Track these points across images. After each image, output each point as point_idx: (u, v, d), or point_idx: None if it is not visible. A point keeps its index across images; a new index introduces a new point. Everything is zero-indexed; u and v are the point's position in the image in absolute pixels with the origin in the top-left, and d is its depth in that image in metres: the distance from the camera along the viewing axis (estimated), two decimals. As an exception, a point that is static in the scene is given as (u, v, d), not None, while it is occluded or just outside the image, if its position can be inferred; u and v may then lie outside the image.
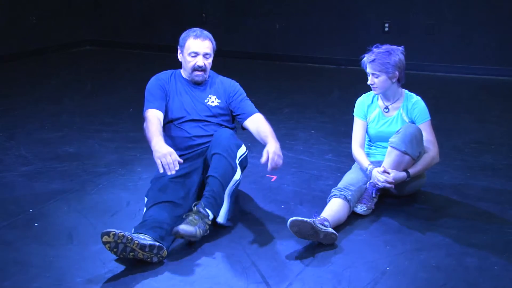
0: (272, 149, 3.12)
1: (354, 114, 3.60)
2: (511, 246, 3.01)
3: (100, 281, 2.70)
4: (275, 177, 3.94)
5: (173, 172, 2.97)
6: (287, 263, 2.87)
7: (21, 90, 6.58)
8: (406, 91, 3.55)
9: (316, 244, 3.01)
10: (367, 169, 3.40)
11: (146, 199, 3.19)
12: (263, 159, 3.10)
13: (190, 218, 2.97)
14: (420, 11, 7.25)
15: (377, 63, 3.33)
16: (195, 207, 3.03)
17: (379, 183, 3.29)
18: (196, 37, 3.40)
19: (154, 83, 3.49)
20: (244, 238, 3.11)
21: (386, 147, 3.37)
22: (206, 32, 3.46)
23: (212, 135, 3.34)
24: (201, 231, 2.95)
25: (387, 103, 3.52)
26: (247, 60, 8.09)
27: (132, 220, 3.28)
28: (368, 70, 3.39)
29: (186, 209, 3.13)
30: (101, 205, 3.52)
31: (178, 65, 3.55)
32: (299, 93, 6.37)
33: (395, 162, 3.29)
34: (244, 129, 3.53)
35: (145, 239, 2.81)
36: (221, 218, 3.11)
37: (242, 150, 3.31)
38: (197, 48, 3.38)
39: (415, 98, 3.50)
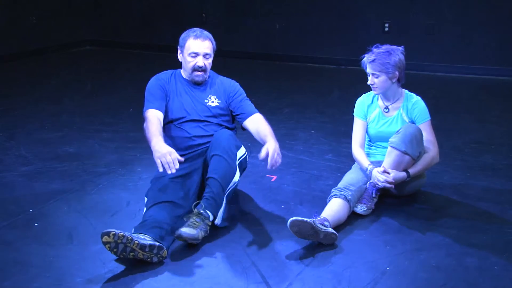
0: (272, 147, 3.12)
1: (354, 114, 3.60)
2: (511, 246, 3.01)
3: (100, 281, 2.70)
4: (275, 177, 3.94)
5: (173, 171, 2.97)
6: (287, 263, 2.87)
7: (21, 90, 6.58)
8: (406, 91, 3.55)
9: (316, 244, 3.01)
10: (367, 169, 3.40)
11: (146, 199, 3.19)
12: (262, 155, 3.10)
13: (191, 220, 2.97)
14: (420, 11, 7.25)
15: (377, 63, 3.33)
16: (195, 209, 3.03)
17: (379, 183, 3.29)
18: (196, 37, 3.40)
19: (154, 83, 3.49)
20: (244, 238, 3.11)
21: (386, 147, 3.37)
22: (206, 32, 3.46)
23: (212, 135, 3.34)
24: (203, 233, 2.96)
25: (387, 103, 3.52)
26: (247, 60, 8.09)
27: (132, 220, 3.28)
28: (368, 70, 3.39)
29: (186, 209, 3.13)
30: (101, 205, 3.52)
31: (178, 65, 3.55)
32: (299, 93, 6.37)
33: (395, 162, 3.29)
34: (244, 129, 3.53)
35: (145, 239, 2.81)
36: (217, 220, 3.11)
37: (242, 151, 3.31)
38: (197, 48, 3.38)
39: (415, 98, 3.50)
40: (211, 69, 3.52)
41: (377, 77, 3.37)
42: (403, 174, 3.33)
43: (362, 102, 3.59)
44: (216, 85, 3.53)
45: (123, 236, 2.71)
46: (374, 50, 3.38)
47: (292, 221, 2.91)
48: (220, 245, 3.04)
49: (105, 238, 2.71)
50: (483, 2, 6.95)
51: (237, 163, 3.22)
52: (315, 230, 2.93)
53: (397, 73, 3.37)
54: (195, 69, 3.42)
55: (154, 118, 3.29)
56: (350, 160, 3.85)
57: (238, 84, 3.59)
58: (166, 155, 2.96)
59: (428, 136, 3.41)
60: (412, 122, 3.45)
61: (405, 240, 3.07)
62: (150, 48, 8.87)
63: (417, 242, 3.05)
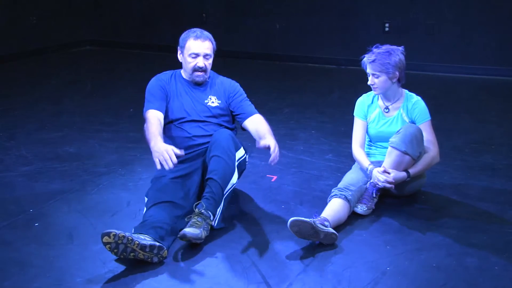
0: (274, 142, 3.12)
1: (354, 114, 3.60)
2: (511, 246, 3.01)
3: (100, 281, 2.70)
4: (275, 177, 3.94)
5: (170, 165, 2.93)
6: (287, 263, 2.87)
7: (21, 90, 6.58)
8: (406, 91, 3.55)
9: (317, 244, 3.01)
10: (367, 169, 3.40)
11: (146, 199, 3.19)
12: (262, 143, 3.09)
13: (193, 220, 2.98)
14: (420, 11, 7.25)
15: (377, 63, 3.33)
16: (196, 209, 3.03)
17: (380, 183, 3.29)
18: (196, 38, 3.40)
19: (154, 83, 3.49)
20: (244, 238, 3.11)
21: (386, 147, 3.37)
22: (206, 33, 3.46)
23: (212, 135, 3.34)
24: (205, 233, 2.97)
25: (387, 103, 3.52)
26: (247, 60, 8.09)
27: (133, 220, 3.28)
28: (368, 70, 3.39)
29: (186, 209, 3.13)
30: (102, 205, 3.52)
31: (178, 65, 3.55)
32: (299, 93, 6.37)
33: (395, 162, 3.29)
34: (244, 129, 3.53)
35: (146, 239, 2.81)
36: (214, 221, 3.11)
37: (241, 152, 3.31)
38: (197, 49, 3.38)
39: (415, 98, 3.50)
40: (211, 69, 3.52)
41: (377, 77, 3.37)
42: (403, 174, 3.33)
43: (362, 102, 3.59)
44: (216, 85, 3.53)
45: (124, 236, 2.71)
46: (374, 50, 3.38)
47: (292, 221, 2.91)
48: (220, 245, 3.04)
49: (106, 239, 2.71)
50: (483, 2, 6.95)
51: (236, 164, 3.22)
52: (315, 230, 2.94)
53: (397, 73, 3.37)
54: (195, 69, 3.42)
55: (154, 118, 3.29)
56: (350, 160, 3.85)
57: (238, 84, 3.59)
58: (163, 153, 2.95)
59: (428, 136, 3.41)
60: (412, 122, 3.45)
61: (405, 240, 3.07)
62: (150, 48, 8.87)
63: (417, 242, 3.05)
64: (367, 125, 3.57)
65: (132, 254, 2.76)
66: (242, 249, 3.00)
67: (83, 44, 9.34)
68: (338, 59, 7.68)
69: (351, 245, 3.04)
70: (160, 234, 2.90)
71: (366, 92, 3.62)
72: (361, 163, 3.46)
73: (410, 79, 3.60)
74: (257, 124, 3.40)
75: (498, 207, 3.46)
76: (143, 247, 2.76)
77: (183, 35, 3.47)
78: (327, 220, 3.05)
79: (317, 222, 2.98)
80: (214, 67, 3.52)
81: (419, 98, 3.51)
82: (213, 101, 3.47)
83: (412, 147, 3.27)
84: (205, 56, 3.41)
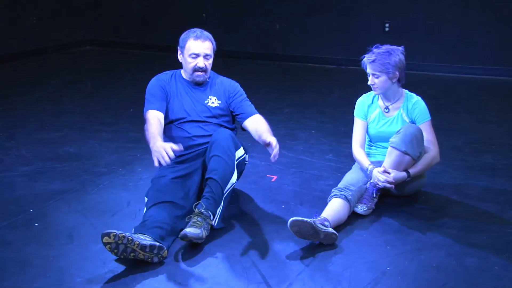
0: (275, 140, 3.10)
1: (354, 114, 3.60)
2: (511, 246, 3.01)
3: (101, 281, 2.70)
4: (275, 177, 3.94)
5: (167, 159, 2.91)
6: (287, 263, 2.87)
7: (21, 90, 6.58)
8: (407, 91, 3.55)
9: (317, 244, 3.01)
10: (367, 169, 3.40)
11: (146, 199, 3.19)
12: (264, 138, 3.07)
13: (194, 220, 2.98)
14: (420, 11, 7.25)
15: (378, 63, 3.33)
16: (196, 209, 3.03)
17: (380, 183, 3.29)
18: (197, 38, 3.39)
19: (154, 83, 3.49)
20: (244, 238, 3.11)
21: (387, 147, 3.37)
22: (206, 33, 3.46)
23: (212, 135, 3.34)
24: (206, 232, 2.97)
25: (387, 103, 3.52)
26: (247, 60, 8.09)
27: (133, 220, 3.28)
28: (369, 70, 3.39)
29: (186, 209, 3.13)
30: (102, 205, 3.52)
31: (178, 65, 3.55)
32: (299, 93, 6.37)
33: (395, 162, 3.29)
34: (244, 129, 3.53)
35: (146, 239, 2.81)
36: (214, 221, 3.11)
37: (240, 152, 3.31)
38: (197, 49, 3.38)
39: (416, 98, 3.50)
40: (211, 69, 3.52)
41: (377, 77, 3.37)
42: (404, 174, 3.33)
43: (362, 102, 3.59)
44: (217, 85, 3.53)
45: (124, 236, 2.71)
46: (374, 50, 3.38)
47: (292, 221, 2.91)
48: (220, 245, 3.04)
49: (106, 239, 2.71)
50: (483, 2, 6.95)
51: (235, 163, 3.22)
52: (316, 230, 2.93)
53: (397, 73, 3.37)
54: (195, 69, 3.42)
55: (154, 119, 3.29)
56: (350, 160, 3.85)
57: (238, 84, 3.59)
58: (160, 150, 2.94)
59: (428, 136, 3.41)
60: (413, 122, 3.45)
61: (405, 240, 3.07)
62: (150, 48, 8.87)
63: (418, 242, 3.05)
64: (367, 125, 3.57)
65: (132, 254, 2.76)
66: (242, 249, 3.00)
67: (83, 44, 9.34)
68: (338, 59, 7.68)
69: (351, 245, 3.04)
70: (160, 234, 2.90)
71: (366, 92, 3.62)
72: (361, 163, 3.46)
73: (410, 79, 3.60)
74: (257, 124, 3.40)
75: (498, 207, 3.46)
76: (143, 247, 2.76)
77: (183, 35, 3.46)
78: (327, 220, 3.05)
79: (317, 222, 2.98)
80: (214, 67, 3.52)
81: (419, 98, 3.51)
82: (213, 102, 3.47)
83: (412, 147, 3.27)
84: (205, 56, 3.41)
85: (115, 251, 2.73)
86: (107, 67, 8.07)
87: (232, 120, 3.57)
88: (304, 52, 7.95)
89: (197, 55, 3.39)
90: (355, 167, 3.58)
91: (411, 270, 2.79)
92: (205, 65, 3.41)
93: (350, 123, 3.66)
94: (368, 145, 3.66)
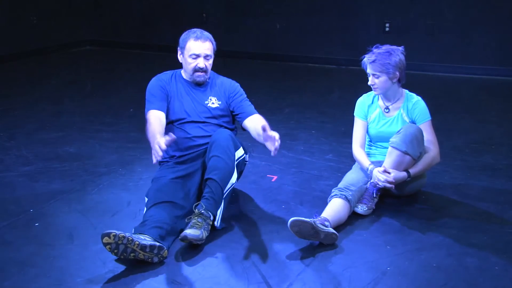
0: (275, 133, 2.98)
1: (354, 114, 3.60)
2: (511, 246, 3.01)
3: (101, 281, 2.70)
4: (275, 177, 3.94)
5: (160, 153, 2.83)
6: (287, 263, 2.87)
7: (21, 90, 6.58)
8: (407, 91, 3.55)
9: (317, 244, 3.01)
10: (367, 169, 3.40)
11: (146, 199, 3.19)
12: (268, 131, 2.93)
13: (194, 221, 2.98)
14: (420, 11, 7.25)
15: (378, 63, 3.33)
16: (196, 209, 3.03)
17: (380, 183, 3.29)
18: (197, 38, 3.39)
19: (154, 83, 3.48)
20: (244, 238, 3.11)
21: (387, 147, 3.37)
22: (206, 33, 3.46)
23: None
24: (206, 233, 2.97)
25: (387, 103, 3.52)
26: (247, 60, 8.09)
27: (133, 220, 3.28)
28: (369, 70, 3.39)
29: (186, 209, 3.13)
30: (102, 205, 3.52)
31: (178, 65, 3.55)
32: (299, 93, 6.37)
33: (395, 162, 3.29)
34: (244, 129, 3.53)
35: (146, 239, 2.81)
36: (216, 222, 3.11)
37: (240, 152, 3.31)
38: (197, 50, 3.38)
39: (416, 98, 3.50)
40: (212, 69, 3.51)
41: (377, 78, 3.37)
42: (404, 174, 3.33)
43: (362, 102, 3.59)
44: (217, 86, 3.53)
45: (124, 237, 2.71)
46: (375, 50, 3.38)
47: (293, 221, 2.91)
48: (221, 245, 3.04)
49: (106, 239, 2.71)
50: (483, 2, 6.95)
51: (235, 163, 3.22)
52: (316, 230, 2.93)
53: (397, 73, 3.37)
54: (196, 70, 3.41)
55: (155, 119, 3.29)
56: (350, 160, 3.86)
57: (238, 84, 3.59)
58: (154, 147, 2.88)
59: (428, 136, 3.41)
60: (413, 122, 3.45)
61: (405, 240, 3.07)
62: (150, 48, 8.87)
63: (418, 242, 3.05)
64: (368, 125, 3.57)
65: (132, 254, 2.76)
66: (242, 249, 2.99)
67: (83, 44, 9.34)
68: (338, 59, 7.68)
69: (352, 245, 3.04)
70: (161, 234, 2.90)
71: (366, 92, 3.62)
72: (362, 163, 3.46)
73: (410, 79, 3.60)
74: (256, 122, 3.38)
75: (498, 207, 3.46)
76: (143, 247, 2.76)
77: (183, 36, 3.46)
78: (327, 220, 3.05)
79: (318, 222, 2.98)
80: (214, 67, 3.52)
81: (419, 98, 3.51)
82: (213, 102, 3.47)
83: (413, 147, 3.27)
84: (206, 56, 3.41)
85: (115, 251, 2.73)
86: (107, 67, 8.06)
87: (232, 120, 3.56)
88: (304, 52, 7.95)
89: (198, 56, 3.39)
90: (355, 167, 3.58)
91: (411, 270, 2.79)
92: (206, 65, 3.41)
93: (350, 123, 3.66)
94: (368, 145, 3.66)
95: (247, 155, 3.52)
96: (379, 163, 3.42)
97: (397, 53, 3.37)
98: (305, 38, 7.93)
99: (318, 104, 5.90)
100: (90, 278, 2.72)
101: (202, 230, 2.94)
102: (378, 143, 3.60)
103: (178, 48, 3.47)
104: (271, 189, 3.78)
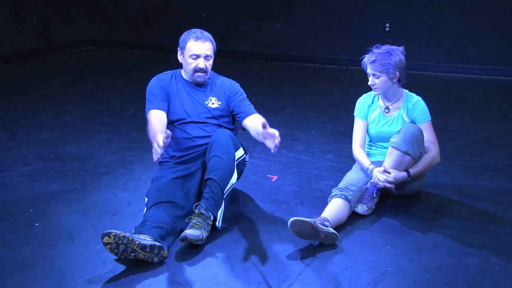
0: (275, 130, 2.95)
1: (354, 114, 3.60)
2: (511, 246, 3.01)
3: (101, 281, 2.70)
4: (275, 177, 3.94)
5: (159, 150, 2.81)
6: (287, 263, 2.87)
7: (21, 90, 6.58)
8: (407, 91, 3.55)
9: (317, 244, 3.01)
10: (368, 169, 3.40)
11: (146, 199, 3.19)
12: (268, 129, 2.90)
13: (194, 221, 2.98)
14: (420, 11, 7.25)
15: (378, 63, 3.33)
16: (196, 209, 3.03)
17: (380, 183, 3.29)
18: (197, 39, 3.39)
19: (155, 83, 3.48)
20: (244, 238, 3.11)
21: (387, 147, 3.37)
22: (206, 33, 3.45)
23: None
24: (206, 233, 2.97)
25: (387, 103, 3.52)
26: (247, 60, 8.10)
27: (133, 220, 3.28)
28: (369, 70, 3.39)
29: (186, 209, 3.13)
30: (102, 205, 3.52)
31: (178, 65, 3.55)
32: (300, 93, 6.38)
33: (396, 162, 3.29)
34: (244, 129, 3.53)
35: (146, 239, 2.81)
36: (217, 222, 3.12)
37: (240, 152, 3.31)
38: (198, 50, 3.37)
39: (416, 98, 3.50)
40: (212, 69, 3.51)
41: (377, 78, 3.37)
42: (404, 174, 3.33)
43: (362, 102, 3.59)
44: (217, 86, 3.52)
45: (124, 236, 2.71)
46: (375, 50, 3.38)
47: (293, 221, 2.91)
48: (221, 245, 3.04)
49: (106, 239, 2.71)
50: (483, 2, 6.95)
51: (235, 163, 3.22)
52: (316, 230, 2.93)
53: (397, 73, 3.37)
54: (196, 70, 3.41)
55: (156, 119, 3.29)
56: (350, 160, 3.86)
57: (238, 84, 3.59)
58: (153, 145, 2.88)
59: (428, 136, 3.41)
60: (413, 122, 3.45)
61: (405, 240, 3.07)
62: (150, 48, 8.87)
63: (418, 242, 3.05)
64: (368, 125, 3.57)
65: (132, 254, 2.76)
66: (243, 249, 2.99)
67: (83, 44, 9.35)
68: (338, 59, 7.68)
69: (352, 245, 3.04)
70: (161, 234, 2.90)
71: (366, 92, 3.62)
72: (362, 163, 3.46)
73: (410, 79, 3.60)
74: (255, 122, 3.38)
75: (499, 207, 3.46)
76: (143, 247, 2.76)
77: (183, 36, 3.46)
78: (327, 220, 3.05)
79: (318, 222, 2.98)
80: (214, 67, 3.52)
81: (419, 98, 3.51)
82: (213, 103, 3.47)
83: (413, 147, 3.27)
84: (206, 57, 3.40)
85: (116, 251, 2.73)
86: (107, 67, 8.07)
87: (233, 120, 3.56)
88: (304, 52, 7.95)
89: (198, 56, 3.39)
90: (355, 167, 3.58)
91: (411, 270, 2.79)
92: (206, 66, 3.41)
93: (350, 123, 3.66)
94: (369, 145, 3.66)
95: (247, 155, 3.52)
96: (379, 163, 3.42)
97: (397, 53, 3.37)
98: (305, 38, 7.94)
99: (318, 104, 5.90)
100: (90, 278, 2.72)
101: (202, 230, 2.94)
102: (378, 143, 3.60)
103: (178, 48, 3.47)
104: (271, 189, 3.78)
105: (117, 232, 2.71)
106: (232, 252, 2.96)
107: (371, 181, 3.36)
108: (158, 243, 2.82)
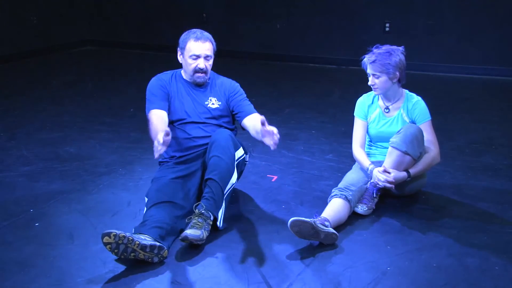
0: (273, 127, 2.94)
1: (354, 114, 3.60)
2: (511, 246, 3.01)
3: (101, 281, 2.70)
4: (275, 177, 3.94)
5: (160, 147, 2.82)
6: (287, 263, 2.87)
7: (21, 90, 6.58)
8: (407, 91, 3.55)
9: (317, 244, 3.01)
10: (368, 169, 3.40)
11: (146, 199, 3.19)
12: (266, 126, 2.87)
13: (194, 221, 2.98)
14: (420, 11, 7.25)
15: (378, 64, 3.33)
16: (196, 209, 3.03)
17: (380, 183, 3.29)
18: (197, 39, 3.38)
19: (155, 83, 3.48)
20: (244, 238, 3.11)
21: (387, 147, 3.37)
22: (206, 34, 3.45)
23: (212, 136, 3.33)
24: (206, 233, 2.97)
25: (387, 103, 3.52)
26: (247, 60, 8.10)
27: (133, 220, 3.28)
28: (369, 71, 3.39)
29: (186, 209, 3.13)
30: (102, 205, 3.52)
31: (178, 65, 3.55)
32: (300, 93, 6.38)
33: (396, 162, 3.29)
34: (244, 129, 3.53)
35: (146, 239, 2.81)
36: (218, 222, 3.12)
37: (240, 152, 3.31)
38: (198, 50, 3.37)
39: (416, 98, 3.50)
40: (212, 69, 3.51)
41: (377, 78, 3.37)
42: (404, 174, 3.33)
43: (362, 102, 3.59)
44: (217, 86, 3.52)
45: (124, 236, 2.71)
46: (375, 50, 3.38)
47: (293, 221, 2.91)
48: (221, 245, 3.04)
49: (106, 239, 2.71)
50: (483, 2, 6.95)
51: (235, 163, 3.22)
52: (316, 230, 2.93)
53: (397, 73, 3.37)
54: (196, 71, 3.41)
55: (157, 118, 3.28)
56: (350, 160, 3.86)
57: (238, 84, 3.59)
58: (155, 143, 2.88)
59: (428, 136, 3.41)
60: (413, 122, 3.45)
61: (405, 240, 3.07)
62: (150, 48, 8.87)
63: (418, 242, 3.05)
64: (368, 125, 3.57)
65: (132, 254, 2.76)
66: (243, 249, 2.99)
67: (83, 44, 9.35)
68: (338, 59, 7.68)
69: (352, 245, 3.04)
70: (161, 234, 2.90)
71: (366, 92, 3.62)
72: (362, 163, 3.46)
73: (410, 79, 3.60)
74: (254, 121, 3.37)
75: (499, 207, 3.46)
76: (143, 247, 2.76)
77: (183, 36, 3.45)
78: (327, 220, 3.05)
79: (318, 222, 2.98)
80: (214, 67, 3.51)
81: (419, 98, 3.51)
82: (213, 103, 3.47)
83: (413, 147, 3.26)
84: (206, 57, 3.40)
85: (116, 251, 2.73)
86: (107, 67, 8.07)
87: (233, 121, 3.56)
88: (304, 52, 7.95)
89: (198, 57, 3.38)
90: (355, 167, 3.58)
91: (411, 270, 2.79)
92: (206, 66, 3.41)
93: (350, 123, 3.66)
94: (369, 145, 3.66)
95: (247, 155, 3.53)
96: (379, 163, 3.42)
97: (397, 53, 3.37)
98: (305, 38, 7.94)
99: (318, 104, 5.90)
100: (90, 278, 2.72)
101: (203, 230, 2.94)
102: (378, 143, 3.60)
103: (178, 48, 3.46)
104: (271, 189, 3.78)
105: (117, 232, 2.71)
106: (232, 252, 2.96)
107: (371, 181, 3.36)
108: (158, 243, 2.82)
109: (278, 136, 2.88)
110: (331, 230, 3.01)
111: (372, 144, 3.64)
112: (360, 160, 3.49)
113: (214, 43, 3.46)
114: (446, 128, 4.86)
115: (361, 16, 7.58)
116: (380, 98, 3.54)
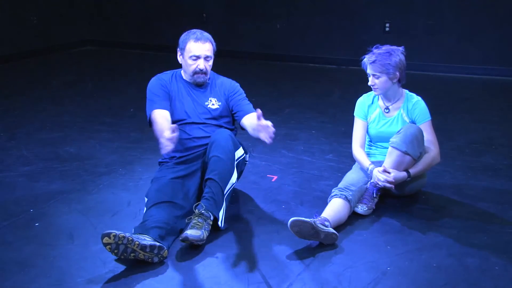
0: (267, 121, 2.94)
1: (354, 114, 3.60)
2: (511, 246, 3.01)
3: (101, 281, 2.70)
4: (275, 177, 3.94)
5: (168, 143, 2.84)
6: (287, 263, 2.87)
7: (21, 90, 6.58)
8: (407, 91, 3.55)
9: (317, 244, 3.01)
10: (367, 168, 3.40)
11: (146, 199, 3.19)
12: (262, 120, 2.89)
13: (194, 221, 2.97)
14: (420, 11, 7.26)
15: (378, 64, 3.33)
16: (196, 210, 3.03)
17: (380, 183, 3.29)
18: (197, 39, 3.38)
19: (155, 83, 3.48)
20: (244, 238, 3.11)
21: (387, 147, 3.37)
22: (206, 34, 3.45)
23: (212, 136, 3.33)
24: (206, 233, 2.97)
25: (387, 104, 3.52)
26: (247, 60, 8.10)
27: (133, 220, 3.28)
28: (369, 71, 3.39)
29: (186, 209, 3.13)
30: (102, 205, 3.52)
31: (178, 65, 3.55)
32: (300, 93, 6.38)
33: (396, 162, 3.29)
34: (243, 128, 3.52)
35: (146, 239, 2.81)
36: (220, 222, 3.12)
37: (240, 152, 3.31)
38: (198, 51, 3.37)
39: (416, 98, 3.50)
40: (212, 69, 3.51)
41: (377, 78, 3.37)
42: (404, 174, 3.33)
43: (362, 102, 3.59)
44: (217, 86, 3.52)
45: (124, 237, 2.71)
46: (375, 50, 3.38)
47: (293, 221, 2.91)
48: (221, 245, 3.04)
49: (106, 239, 2.70)
50: (483, 2, 6.95)
51: (235, 163, 3.22)
52: (316, 230, 2.93)
53: (397, 73, 3.37)
54: (196, 72, 3.41)
55: (161, 118, 3.28)
56: (350, 160, 3.86)
57: (238, 84, 3.59)
58: (162, 141, 2.89)
59: (428, 136, 3.41)
60: (413, 122, 3.45)
61: (406, 240, 3.07)
62: (150, 48, 8.88)
63: (418, 242, 3.05)
64: (368, 125, 3.57)
65: (132, 254, 2.76)
66: (243, 249, 2.99)
67: (83, 44, 9.35)
68: (338, 59, 7.68)
69: (352, 245, 3.03)
70: (160, 234, 2.90)
71: (366, 92, 3.62)
72: (362, 163, 3.46)
73: (410, 79, 3.60)
74: (252, 119, 3.34)
75: (499, 207, 3.46)
76: (143, 247, 2.76)
77: (182, 37, 3.45)
78: (327, 220, 3.05)
79: (318, 222, 2.98)
80: (214, 67, 3.51)
81: (419, 98, 3.51)
82: (213, 103, 3.47)
83: (413, 147, 3.26)
84: (206, 58, 3.40)
85: (115, 251, 2.73)
86: (107, 67, 8.07)
87: (233, 121, 3.56)
88: (304, 52, 7.95)
89: (198, 57, 3.38)
90: (355, 167, 3.58)
91: (411, 270, 2.79)
92: (206, 67, 3.40)
93: (350, 123, 3.66)
94: (368, 145, 3.66)
95: (247, 155, 3.53)
96: (379, 163, 3.42)
97: (397, 53, 3.37)
98: (305, 38, 7.94)
99: (318, 104, 5.90)
100: (90, 278, 2.72)
101: (203, 230, 2.94)
102: (378, 143, 3.60)
103: (178, 49, 3.46)
104: (271, 189, 3.78)
105: (117, 232, 2.71)
106: (232, 252, 2.96)
107: (371, 181, 3.36)
108: (158, 243, 2.82)
109: (273, 129, 2.88)
110: (331, 230, 3.01)
111: (372, 144, 3.64)
112: (360, 160, 3.49)
113: (214, 43, 3.45)
114: (446, 128, 4.86)
115: (361, 16, 7.58)
116: (380, 98, 3.54)
